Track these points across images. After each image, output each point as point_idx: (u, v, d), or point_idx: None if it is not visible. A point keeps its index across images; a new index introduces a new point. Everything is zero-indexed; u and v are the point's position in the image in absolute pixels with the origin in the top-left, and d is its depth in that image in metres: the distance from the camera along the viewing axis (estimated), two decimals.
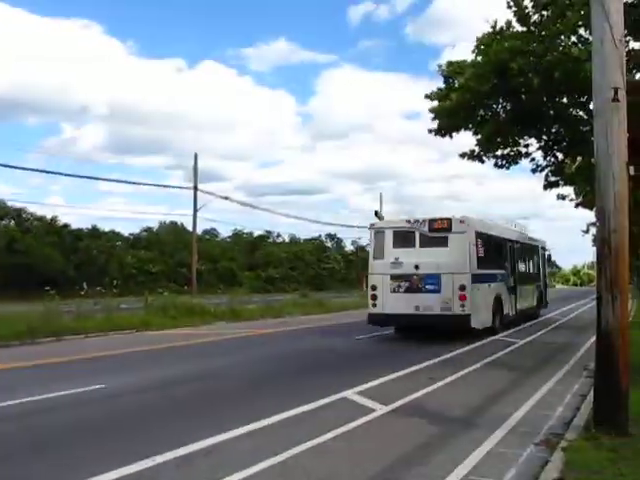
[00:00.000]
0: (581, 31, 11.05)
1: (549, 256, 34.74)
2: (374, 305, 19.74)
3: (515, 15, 11.42)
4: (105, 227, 75.21)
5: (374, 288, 19.81)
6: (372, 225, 20.98)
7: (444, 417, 8.99)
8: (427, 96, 13.26)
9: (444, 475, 6.23)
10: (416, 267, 19.03)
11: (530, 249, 29.08)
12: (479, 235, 19.96)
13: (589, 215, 25.84)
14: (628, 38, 10.26)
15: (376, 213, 22.91)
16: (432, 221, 19.38)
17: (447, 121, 13.06)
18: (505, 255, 23.47)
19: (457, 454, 6.97)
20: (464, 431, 8.10)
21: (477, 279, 19.21)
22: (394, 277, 19.39)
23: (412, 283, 19.12)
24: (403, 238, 19.65)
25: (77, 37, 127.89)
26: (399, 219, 20.78)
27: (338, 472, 6.40)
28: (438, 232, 19.15)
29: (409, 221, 19.73)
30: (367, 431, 8.15)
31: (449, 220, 19.17)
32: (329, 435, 7.77)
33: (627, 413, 7.31)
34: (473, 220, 20.23)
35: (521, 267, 26.32)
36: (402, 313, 19.11)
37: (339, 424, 8.27)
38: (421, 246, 19.31)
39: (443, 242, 19.02)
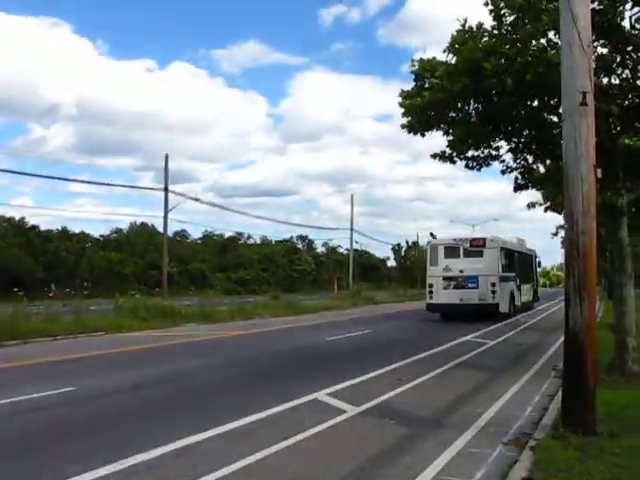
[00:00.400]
0: (550, 35, 11.15)
1: (539, 262, 42.06)
2: (431, 297, 28.86)
3: (491, 13, 11.44)
4: (75, 228, 74.46)
5: (431, 286, 28.86)
6: (429, 242, 30.74)
7: (414, 418, 9.04)
8: (400, 94, 13.21)
9: (414, 475, 6.26)
10: (461, 271, 28.00)
11: (527, 257, 37.89)
12: (502, 249, 29.15)
13: (558, 217, 28.33)
14: (596, 43, 10.35)
15: (431, 234, 32.27)
16: (472, 240, 28.95)
17: (418, 118, 13.02)
18: (514, 262, 32.12)
19: (427, 454, 7.02)
20: (434, 432, 8.15)
21: (501, 279, 28.02)
22: (445, 278, 28.30)
23: (458, 282, 28.01)
24: (451, 251, 28.59)
25: (46, 36, 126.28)
26: (448, 238, 30.12)
27: (309, 473, 6.40)
28: (476, 247, 28.21)
29: (455, 239, 29.22)
30: (338, 432, 8.16)
31: (484, 239, 28.74)
32: (300, 436, 7.76)
33: (594, 412, 7.40)
34: (499, 239, 29.69)
35: (523, 271, 34.38)
36: (451, 303, 27.94)
37: (310, 425, 8.27)
38: (464, 257, 28.20)
39: (479, 254, 27.98)
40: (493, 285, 27.30)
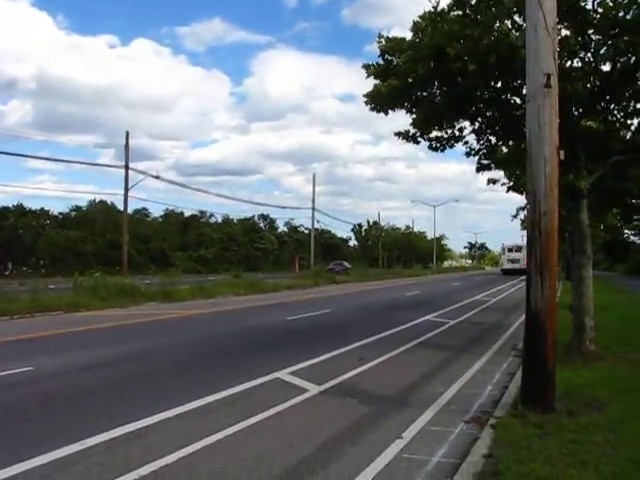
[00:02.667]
0: (515, 17, 11.14)
1: None
2: (501, 266, 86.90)
3: None
4: (33, 206, 72.92)
5: (502, 261, 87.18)
6: (502, 246, 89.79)
7: (377, 397, 9.09)
8: (364, 66, 13.01)
9: (376, 454, 6.29)
10: (514, 256, 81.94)
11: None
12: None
13: (518, 199, 31.32)
14: (560, 26, 10.38)
15: (503, 243, 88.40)
16: (517, 246, 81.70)
17: (383, 102, 12.92)
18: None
19: (389, 433, 7.06)
20: (396, 410, 8.20)
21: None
22: (508, 259, 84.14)
23: (513, 260, 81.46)
24: (510, 249, 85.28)
25: (2, 7, 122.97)
26: (511, 243, 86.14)
27: (271, 452, 6.38)
28: (519, 247, 79.64)
29: (512, 244, 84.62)
30: (300, 411, 8.16)
31: (522, 245, 75.88)
32: (262, 416, 7.75)
33: (553, 391, 7.52)
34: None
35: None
36: (509, 268, 79.32)
37: (272, 404, 8.26)
38: (514, 252, 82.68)
39: (520, 250, 76.62)
40: (525, 261, 60.64)
